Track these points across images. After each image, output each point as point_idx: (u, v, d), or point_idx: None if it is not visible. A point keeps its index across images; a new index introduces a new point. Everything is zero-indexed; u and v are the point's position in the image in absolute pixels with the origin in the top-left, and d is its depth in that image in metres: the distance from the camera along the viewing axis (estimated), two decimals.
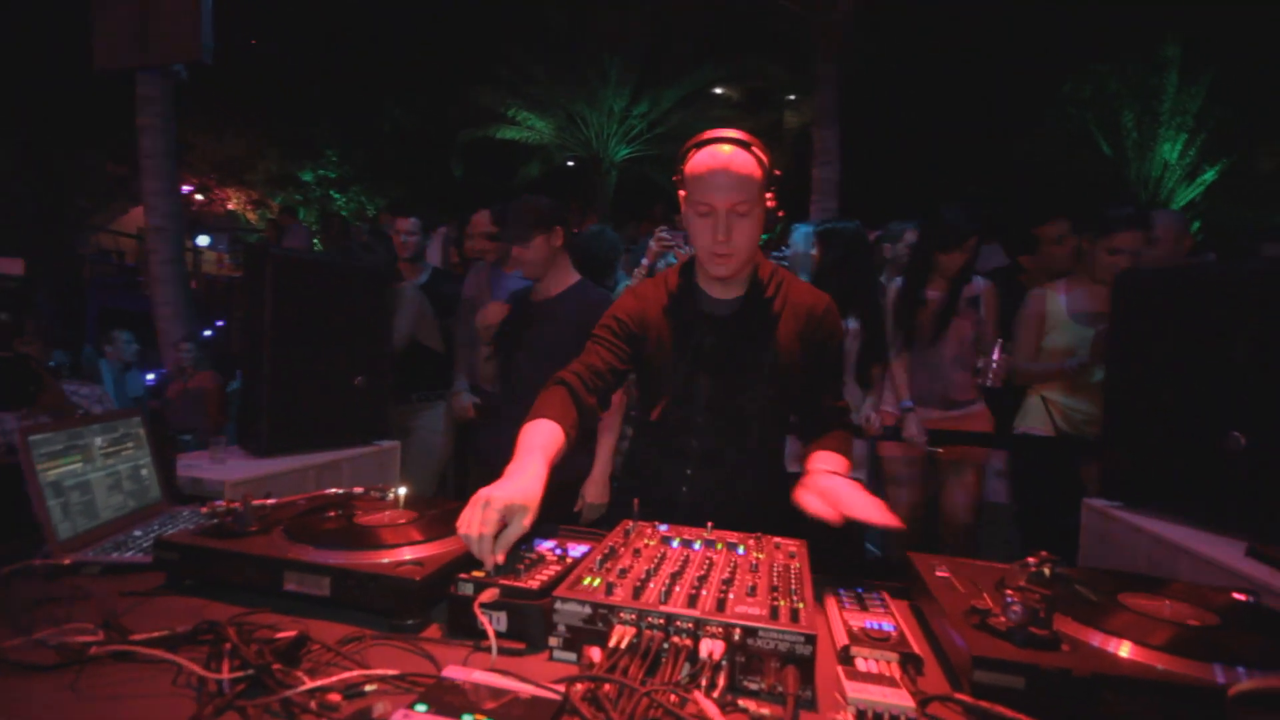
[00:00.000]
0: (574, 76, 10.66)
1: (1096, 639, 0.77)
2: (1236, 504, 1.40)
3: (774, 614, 0.79)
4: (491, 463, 2.12)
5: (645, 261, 2.66)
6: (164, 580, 1.00)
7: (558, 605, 0.83)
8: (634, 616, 0.80)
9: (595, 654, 0.78)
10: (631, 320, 1.42)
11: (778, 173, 1.36)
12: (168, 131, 4.76)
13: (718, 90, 12.42)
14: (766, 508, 1.37)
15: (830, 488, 1.10)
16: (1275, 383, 1.36)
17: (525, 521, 0.95)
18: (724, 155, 1.27)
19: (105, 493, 1.21)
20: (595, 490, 2.14)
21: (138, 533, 1.18)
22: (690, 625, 0.78)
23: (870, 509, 1.03)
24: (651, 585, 0.87)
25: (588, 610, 0.82)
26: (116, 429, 1.26)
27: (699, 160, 1.30)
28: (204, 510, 1.02)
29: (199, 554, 0.96)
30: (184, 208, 7.04)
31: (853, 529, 2.72)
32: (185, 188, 12.94)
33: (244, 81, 11.63)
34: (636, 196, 11.13)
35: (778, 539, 1.11)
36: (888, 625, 0.91)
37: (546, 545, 1.08)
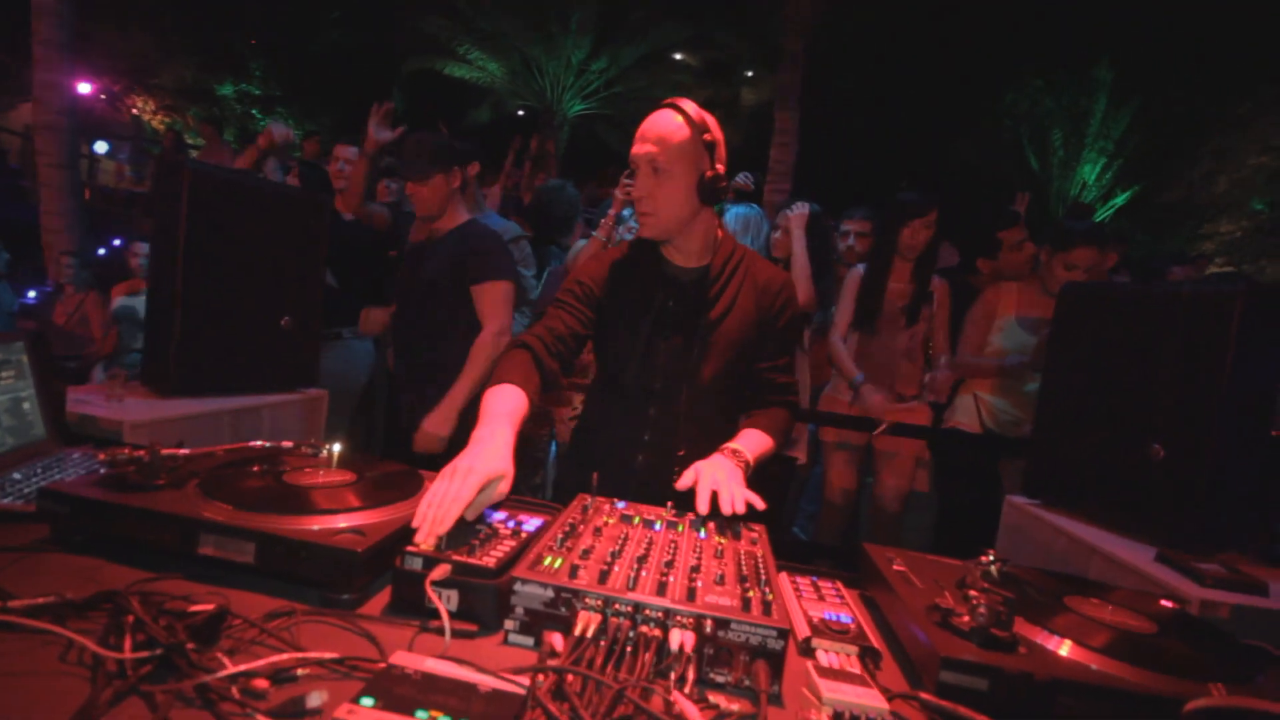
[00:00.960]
0: (533, 20, 10.14)
1: (1050, 642, 0.79)
2: (1151, 511, 1.50)
3: (746, 605, 0.77)
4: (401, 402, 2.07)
5: (611, 211, 2.58)
6: (48, 534, 0.87)
7: (517, 587, 0.77)
8: (599, 603, 0.75)
9: (557, 641, 0.72)
10: (594, 284, 1.44)
11: (710, 138, 1.32)
12: (66, 18, 4.16)
13: (677, 56, 12.17)
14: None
15: (702, 466, 1.13)
16: (1196, 401, 1.45)
17: (503, 488, 0.94)
18: (654, 117, 1.34)
19: None
20: (436, 420, 2.03)
21: (17, 475, 1.03)
22: (660, 614, 0.74)
23: (728, 495, 1.05)
24: (617, 569, 0.82)
25: (549, 593, 0.76)
26: None
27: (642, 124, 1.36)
28: (102, 457, 0.88)
29: (95, 508, 0.84)
30: (82, 109, 6.25)
31: (781, 513, 2.79)
32: (85, 87, 11.43)
33: None
34: (589, 155, 10.83)
35: (741, 525, 1.08)
36: (845, 617, 0.91)
37: (498, 517, 1.01)
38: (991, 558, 1.00)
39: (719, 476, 1.10)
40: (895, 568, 0.99)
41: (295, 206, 1.88)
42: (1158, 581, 1.31)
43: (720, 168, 1.34)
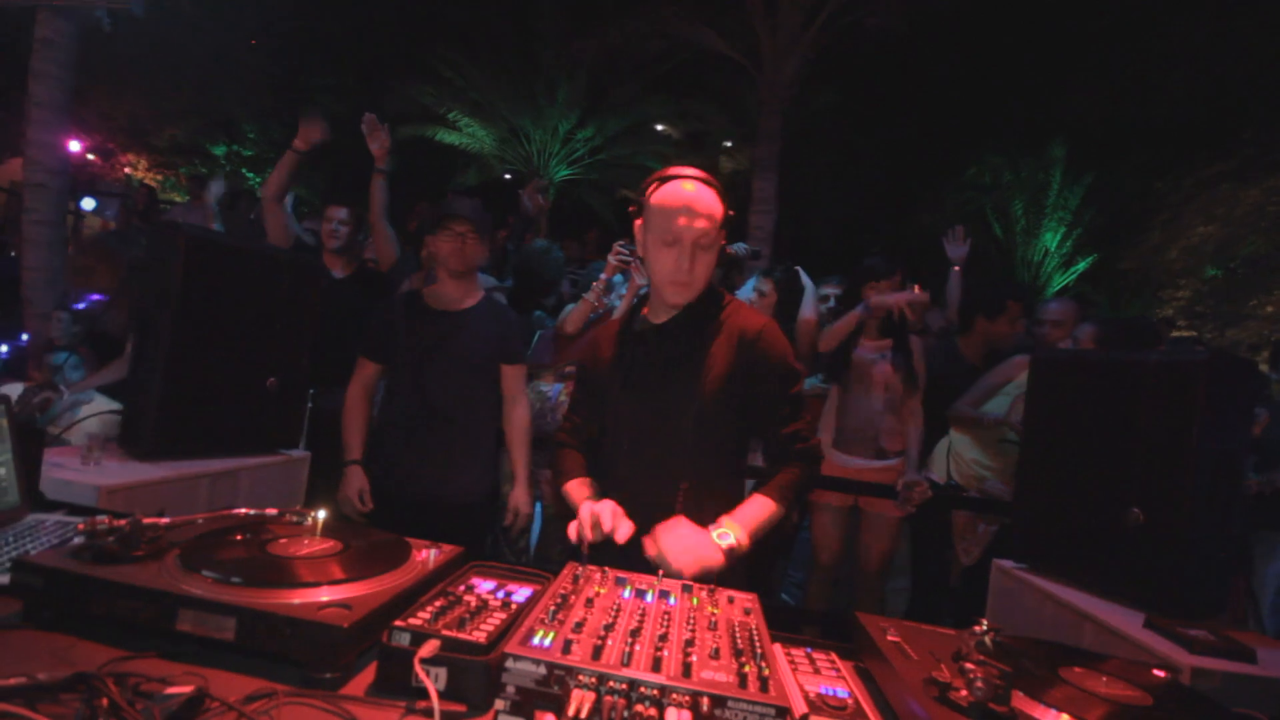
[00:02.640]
0: (521, 91, 10.58)
1: (1048, 716, 0.79)
2: (1134, 576, 1.51)
3: (742, 681, 0.75)
4: (403, 487, 2.02)
5: (603, 276, 2.63)
6: (20, 609, 0.83)
7: (509, 664, 0.75)
8: (594, 680, 0.73)
9: None
10: (591, 361, 1.54)
11: (730, 213, 1.40)
12: (65, 82, 4.26)
13: (659, 127, 12.73)
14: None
15: (665, 544, 1.20)
16: (1171, 466, 1.49)
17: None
18: (691, 192, 1.35)
19: None
20: (523, 499, 2.23)
21: None
22: (655, 692, 0.73)
23: (681, 559, 1.16)
24: (610, 643, 0.80)
25: (542, 670, 0.74)
26: None
27: (667, 192, 1.36)
28: (81, 527, 0.85)
29: (70, 581, 0.81)
30: (74, 167, 6.31)
31: (767, 579, 2.75)
32: (77, 145, 11.55)
33: (155, 38, 10.65)
34: (572, 218, 11.12)
35: (730, 592, 1.07)
36: (842, 691, 0.89)
37: (486, 587, 0.99)
38: (985, 627, 1.00)
39: (681, 563, 1.16)
40: (889, 638, 0.99)
41: (287, 268, 1.89)
42: (1148, 649, 1.31)
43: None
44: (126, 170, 12.51)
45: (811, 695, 0.86)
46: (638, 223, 1.43)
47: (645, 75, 10.71)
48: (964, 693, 0.79)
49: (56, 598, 0.81)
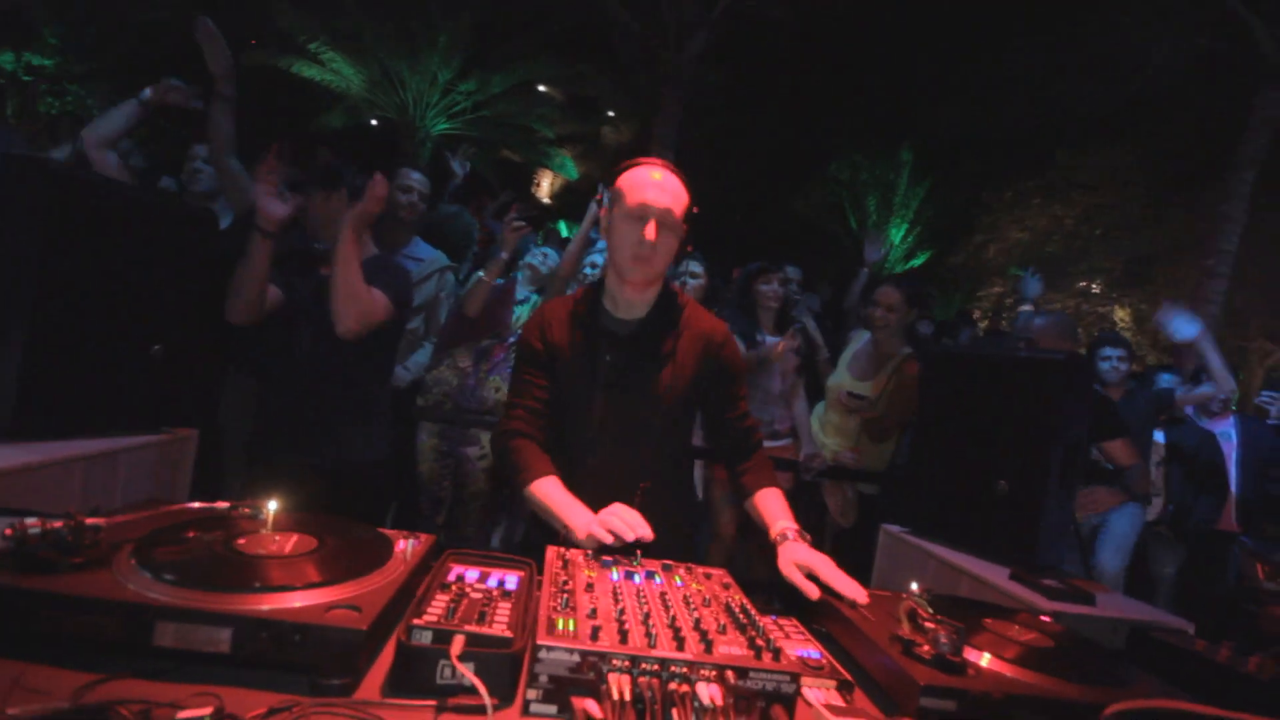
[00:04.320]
0: (396, 29, 9.68)
1: (989, 663, 0.94)
2: (1000, 537, 1.80)
3: (758, 653, 0.82)
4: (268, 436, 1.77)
5: (504, 254, 2.54)
6: None
7: (542, 655, 0.75)
8: (627, 663, 0.76)
9: (591, 707, 0.72)
10: (540, 343, 1.48)
11: (695, 209, 1.45)
12: None
13: (543, 88, 12.33)
14: (670, 535, 1.41)
15: (808, 562, 1.18)
16: (1030, 445, 1.78)
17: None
18: (664, 174, 1.41)
19: None
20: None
21: None
22: (685, 670, 0.77)
23: (845, 584, 1.13)
24: (630, 627, 0.83)
25: (576, 658, 0.76)
26: None
27: (637, 172, 1.42)
28: (9, 532, 0.72)
29: (8, 597, 0.68)
30: None
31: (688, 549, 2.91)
32: None
33: None
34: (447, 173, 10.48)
35: (704, 569, 1.14)
36: (814, 652, 1.00)
37: (474, 577, 0.97)
38: (921, 589, 1.16)
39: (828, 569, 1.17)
40: (846, 603, 1.11)
41: (176, 220, 1.65)
42: (1014, 597, 1.57)
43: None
44: None
45: (792, 658, 0.96)
46: (602, 211, 1.47)
47: (535, 32, 10.27)
48: (926, 647, 0.92)
49: None
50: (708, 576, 1.11)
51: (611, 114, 14.66)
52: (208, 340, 2.06)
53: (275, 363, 1.94)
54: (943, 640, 0.90)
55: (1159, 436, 3.63)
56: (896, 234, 14.35)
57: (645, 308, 1.47)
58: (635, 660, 0.77)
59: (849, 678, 0.93)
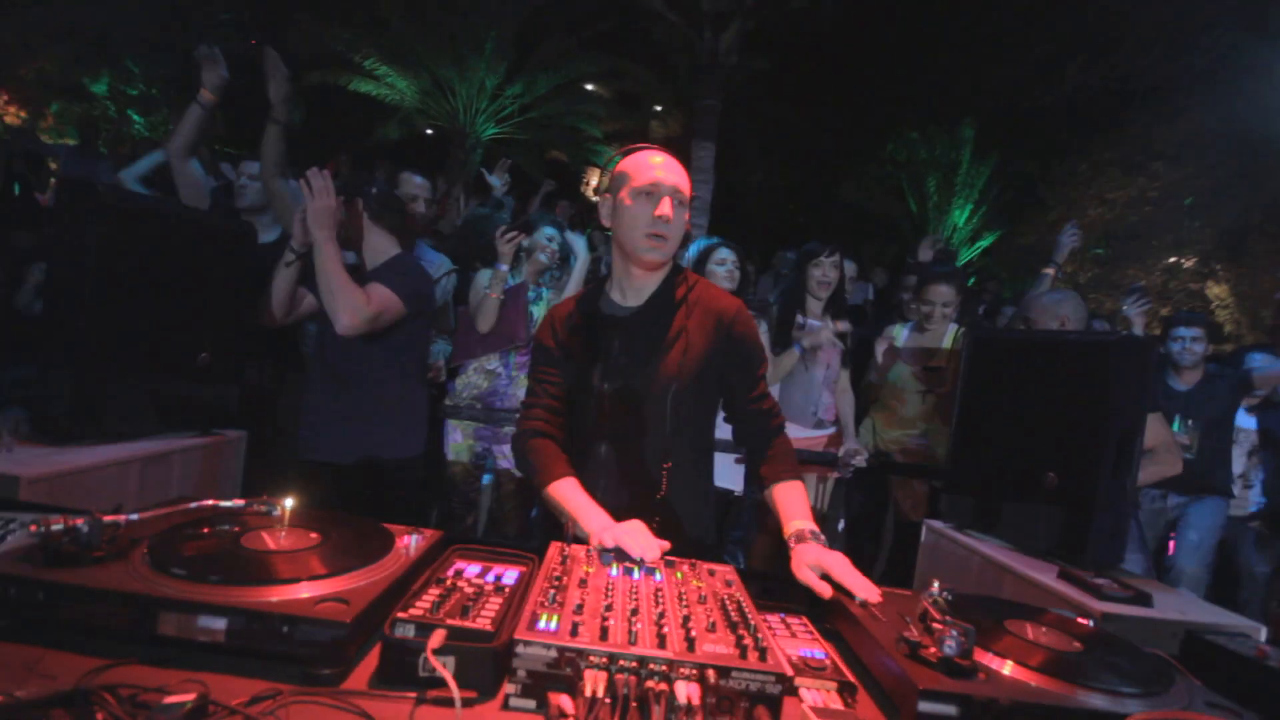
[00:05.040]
0: (444, 41, 9.96)
1: (1002, 666, 0.88)
2: (1049, 534, 1.69)
3: (743, 652, 0.80)
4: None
5: (502, 267, 2.54)
6: None
7: (519, 649, 0.76)
8: (605, 660, 0.76)
9: (565, 703, 0.72)
10: (552, 340, 1.47)
11: (692, 195, 1.45)
12: None
13: (589, 87, 12.40)
14: (688, 522, 1.40)
15: (820, 561, 1.15)
16: (1082, 435, 1.66)
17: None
18: (664, 156, 1.40)
19: None
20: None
21: None
22: (664, 668, 0.76)
23: (857, 583, 1.09)
24: (613, 623, 0.83)
25: (553, 654, 0.76)
26: None
27: (639, 156, 1.40)
28: (34, 529, 0.78)
29: (29, 588, 0.74)
30: None
31: (717, 544, 2.86)
32: None
33: None
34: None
35: (709, 565, 1.12)
36: (819, 653, 0.97)
37: (473, 571, 0.99)
38: (938, 588, 1.10)
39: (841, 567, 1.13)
40: (858, 602, 1.07)
41: (217, 235, 1.75)
42: (1063, 597, 1.48)
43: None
44: None
45: (794, 659, 0.93)
46: (604, 197, 1.43)
47: (578, 32, 10.35)
48: (933, 649, 0.87)
49: (13, 606, 0.74)
50: (711, 573, 1.09)
51: (659, 108, 14.62)
52: (259, 346, 2.18)
53: (310, 365, 2.03)
54: (948, 642, 0.85)
55: (1250, 423, 3.32)
56: (960, 215, 13.68)
57: (649, 290, 1.44)
58: (613, 657, 0.76)
59: (852, 680, 0.90)
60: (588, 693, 0.72)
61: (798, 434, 2.83)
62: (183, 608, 0.75)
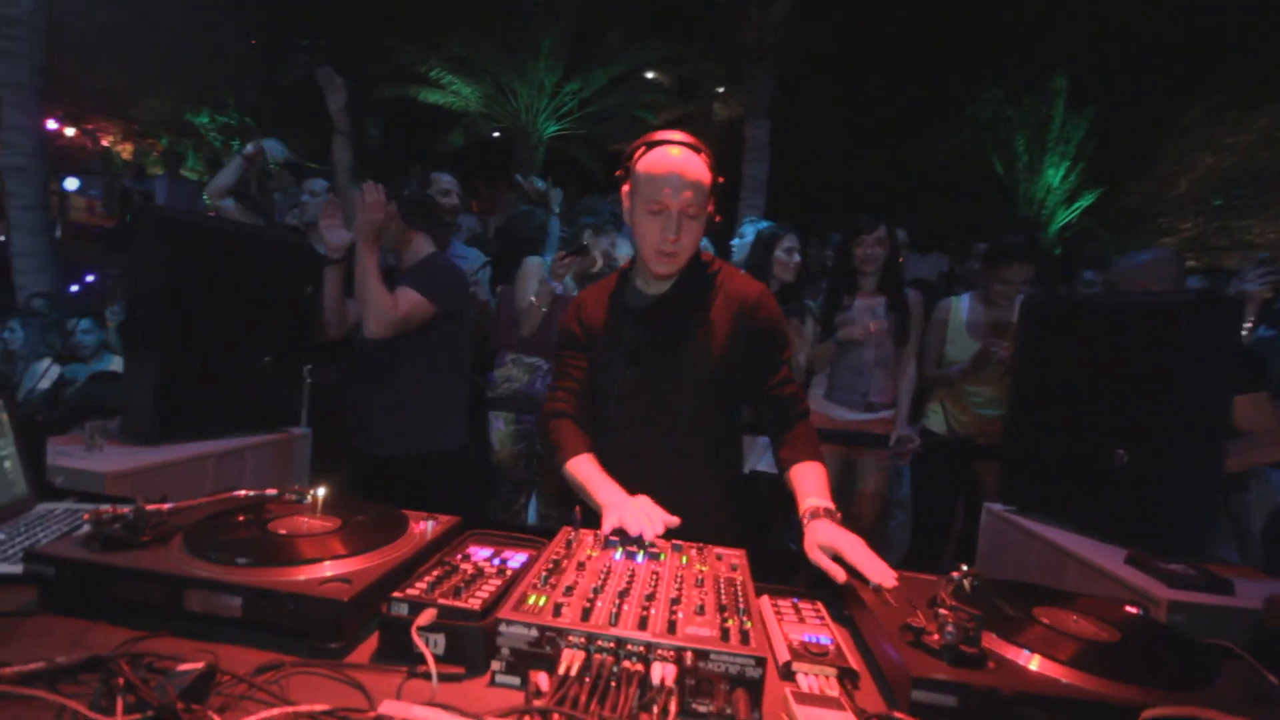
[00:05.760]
0: (504, 44, 10.23)
1: (1018, 655, 0.83)
2: (1118, 515, 1.55)
3: (724, 635, 0.79)
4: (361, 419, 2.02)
5: (555, 285, 2.55)
6: (35, 596, 0.87)
7: (502, 628, 0.79)
8: (583, 640, 0.77)
9: (543, 680, 0.75)
10: (578, 326, 1.49)
11: (720, 179, 1.38)
12: (33, 60, 4.15)
13: (649, 75, 12.34)
14: (709, 509, 1.39)
15: (833, 542, 1.11)
16: (1154, 406, 1.51)
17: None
18: (678, 158, 1.31)
19: None
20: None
21: (1, 535, 1.03)
22: (641, 649, 0.77)
23: (871, 566, 1.05)
24: (599, 604, 0.84)
25: (534, 633, 0.78)
26: None
27: (653, 159, 1.33)
28: (86, 517, 0.89)
29: (80, 569, 0.84)
30: (51, 145, 6.19)
31: (771, 529, 2.81)
32: (53, 123, 11.29)
33: (129, 3, 10.30)
34: (564, 174, 10.90)
35: (719, 549, 1.11)
36: (825, 639, 0.94)
37: (483, 555, 1.03)
38: (965, 571, 1.04)
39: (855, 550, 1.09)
40: (871, 587, 1.03)
41: (273, 247, 1.89)
42: (1128, 584, 1.36)
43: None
44: (105, 144, 12.24)
45: (795, 644, 0.91)
46: (625, 188, 1.42)
47: (632, 21, 10.32)
48: (936, 636, 0.83)
49: (69, 585, 0.85)
50: (719, 557, 1.08)
51: (721, 90, 14.35)
52: (321, 349, 2.34)
53: (356, 364, 2.16)
54: (949, 628, 0.81)
55: None
56: (1055, 175, 12.61)
57: (673, 279, 1.43)
58: (591, 637, 0.77)
59: (854, 667, 0.87)
60: (561, 671, 0.74)
61: (848, 417, 2.73)
62: (206, 586, 0.82)
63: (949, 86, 12.15)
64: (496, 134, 12.00)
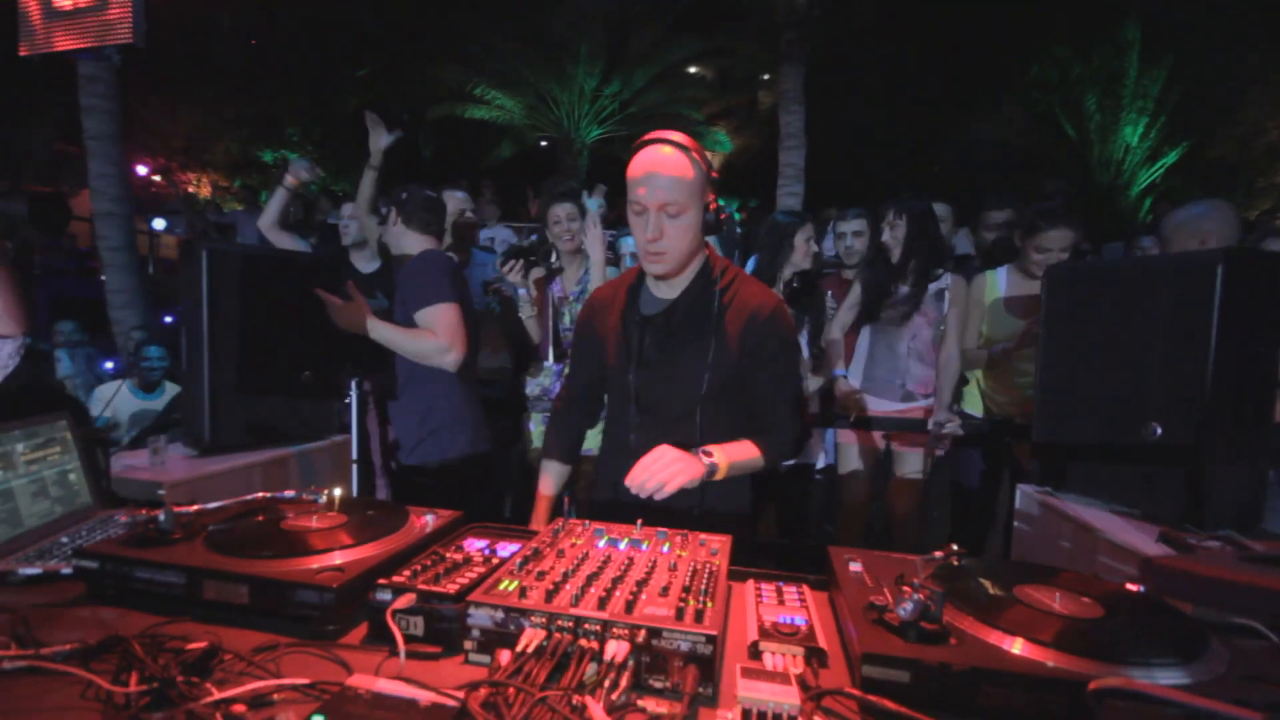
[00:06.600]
0: (542, 54, 10.46)
1: (985, 632, 0.82)
2: (1152, 491, 1.47)
3: (679, 615, 0.82)
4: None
5: (520, 291, 2.61)
6: (85, 590, 0.99)
7: (470, 610, 0.84)
8: (544, 620, 0.82)
9: (504, 657, 0.80)
10: (588, 329, 1.55)
11: (714, 174, 1.38)
12: (113, 113, 4.58)
13: (691, 70, 12.30)
14: (713, 511, 1.40)
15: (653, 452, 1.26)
16: (1187, 377, 1.42)
17: None
18: (659, 156, 1.32)
19: (29, 500, 1.19)
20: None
21: (64, 539, 1.17)
22: (598, 627, 0.81)
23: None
24: (567, 587, 0.89)
25: (500, 614, 0.84)
26: (39, 434, 1.24)
27: (636, 161, 1.35)
28: (123, 519, 1.01)
29: (116, 563, 0.96)
30: (142, 190, 6.82)
31: (802, 519, 2.78)
32: (142, 169, 12.44)
33: (196, 54, 11.20)
34: (609, 178, 11.03)
35: (704, 535, 1.13)
36: (799, 619, 0.95)
37: (477, 546, 1.09)
38: (948, 551, 1.03)
39: (658, 466, 1.22)
40: (851, 568, 1.03)
41: (309, 269, 2.04)
42: None
43: (714, 199, 1.37)
44: (189, 189, 13.38)
45: (766, 624, 0.92)
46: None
47: (664, 18, 10.35)
48: (897, 614, 0.83)
49: (109, 577, 0.96)
50: (702, 543, 1.10)
51: (766, 76, 14.14)
52: (363, 363, 2.48)
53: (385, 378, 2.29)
54: (904, 604, 0.81)
55: None
56: (1133, 133, 11.70)
57: (684, 284, 1.43)
58: (551, 617, 0.82)
59: (821, 646, 0.88)
60: (519, 648, 0.79)
61: (885, 408, 2.66)
62: (217, 576, 0.92)
63: (1008, 49, 11.47)
64: (544, 143, 12.29)
